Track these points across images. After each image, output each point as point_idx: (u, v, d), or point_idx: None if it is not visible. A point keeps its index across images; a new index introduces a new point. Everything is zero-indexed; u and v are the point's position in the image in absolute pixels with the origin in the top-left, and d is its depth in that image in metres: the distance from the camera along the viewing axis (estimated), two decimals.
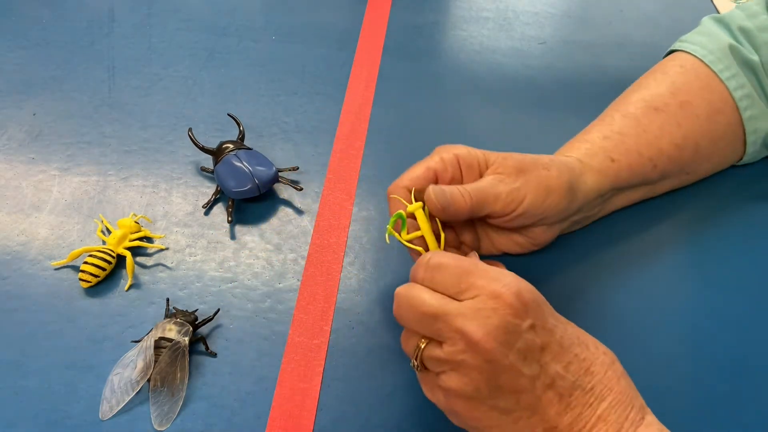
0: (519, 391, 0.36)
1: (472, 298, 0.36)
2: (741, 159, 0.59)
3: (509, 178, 0.46)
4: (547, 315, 0.37)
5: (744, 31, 0.56)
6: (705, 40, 0.57)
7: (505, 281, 0.36)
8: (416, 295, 0.38)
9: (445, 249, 0.47)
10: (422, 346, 0.38)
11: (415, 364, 0.38)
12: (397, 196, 0.45)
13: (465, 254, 0.46)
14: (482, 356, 0.35)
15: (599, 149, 0.51)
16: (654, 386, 0.45)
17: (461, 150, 0.47)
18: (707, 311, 0.50)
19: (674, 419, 0.43)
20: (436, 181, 0.46)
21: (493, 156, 0.47)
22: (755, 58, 0.55)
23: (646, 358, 0.46)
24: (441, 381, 0.37)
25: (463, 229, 0.49)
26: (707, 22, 0.59)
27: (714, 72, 0.55)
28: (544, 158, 0.48)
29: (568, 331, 0.38)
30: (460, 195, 0.44)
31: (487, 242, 0.51)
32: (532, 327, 0.36)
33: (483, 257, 0.51)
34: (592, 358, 0.37)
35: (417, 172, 0.46)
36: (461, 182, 0.47)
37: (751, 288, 0.51)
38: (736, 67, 0.55)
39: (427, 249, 0.44)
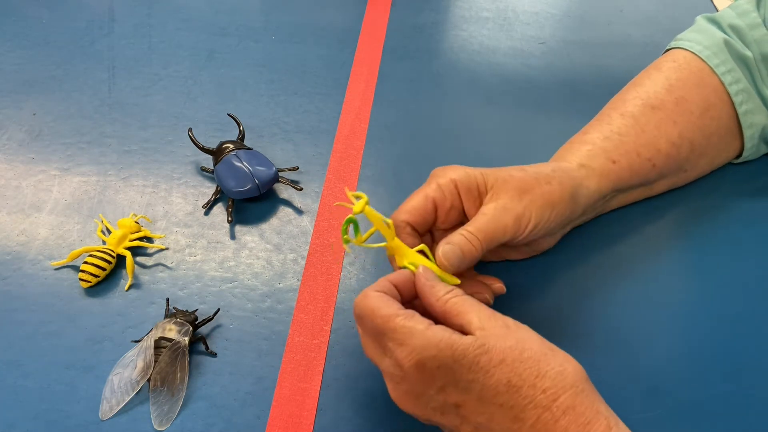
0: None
1: (389, 356, 0.38)
2: (739, 155, 0.59)
3: (512, 202, 0.44)
4: (463, 372, 0.35)
5: (735, 28, 0.56)
6: (700, 37, 0.57)
7: (413, 347, 0.36)
8: (369, 313, 0.38)
9: None
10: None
11: None
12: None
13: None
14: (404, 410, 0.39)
15: (600, 151, 0.51)
16: (654, 386, 0.45)
17: (458, 173, 0.45)
18: (707, 310, 0.50)
19: (674, 419, 0.44)
20: (435, 211, 0.45)
21: (492, 177, 0.45)
22: (748, 53, 0.55)
23: (645, 358, 0.46)
24: None
25: None
26: (701, 20, 0.59)
27: (709, 66, 0.55)
28: (545, 170, 0.47)
29: (492, 380, 0.35)
30: (469, 244, 0.42)
31: (488, 251, 0.50)
32: (442, 388, 0.36)
33: (484, 264, 0.51)
34: (524, 403, 0.35)
35: (414, 202, 0.44)
36: (461, 208, 0.45)
37: (750, 287, 0.51)
38: (731, 62, 0.55)
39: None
